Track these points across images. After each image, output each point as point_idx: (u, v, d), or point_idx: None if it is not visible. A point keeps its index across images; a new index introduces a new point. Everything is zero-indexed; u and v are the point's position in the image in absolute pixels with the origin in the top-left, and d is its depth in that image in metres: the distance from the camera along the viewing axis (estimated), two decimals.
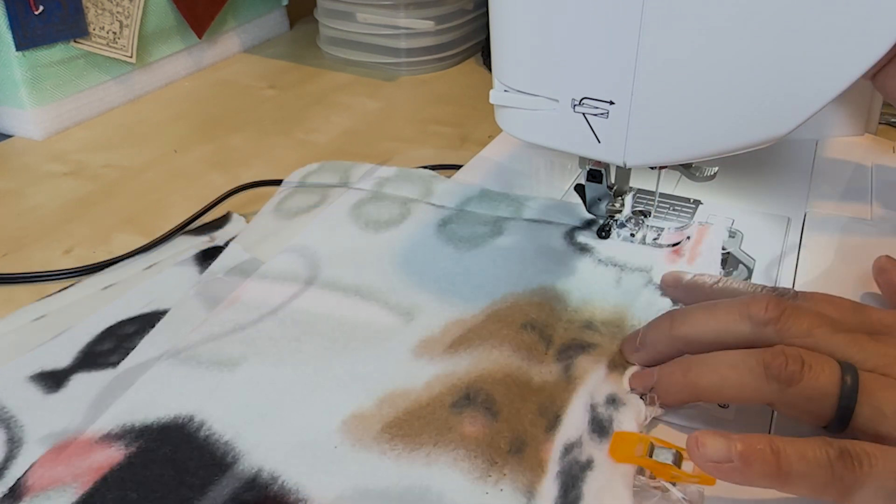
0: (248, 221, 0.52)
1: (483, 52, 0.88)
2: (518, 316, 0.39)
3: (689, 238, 0.45)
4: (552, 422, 0.33)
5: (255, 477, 0.31)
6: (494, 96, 0.40)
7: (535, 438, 0.33)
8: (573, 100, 0.37)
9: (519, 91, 0.38)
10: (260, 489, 0.31)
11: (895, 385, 0.29)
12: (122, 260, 0.50)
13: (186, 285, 0.45)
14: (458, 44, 0.85)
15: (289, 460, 0.32)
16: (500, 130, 0.42)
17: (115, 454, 0.32)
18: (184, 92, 0.79)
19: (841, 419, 0.29)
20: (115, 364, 0.39)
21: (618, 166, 0.42)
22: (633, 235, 0.45)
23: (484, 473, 0.31)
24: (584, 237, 0.45)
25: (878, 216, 0.50)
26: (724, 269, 0.45)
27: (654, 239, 0.45)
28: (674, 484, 0.30)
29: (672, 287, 0.40)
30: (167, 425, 0.33)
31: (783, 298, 0.33)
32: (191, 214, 0.54)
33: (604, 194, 0.45)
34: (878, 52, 0.32)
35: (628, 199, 0.45)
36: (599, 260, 0.43)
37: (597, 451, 0.31)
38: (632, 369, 0.36)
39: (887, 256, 0.40)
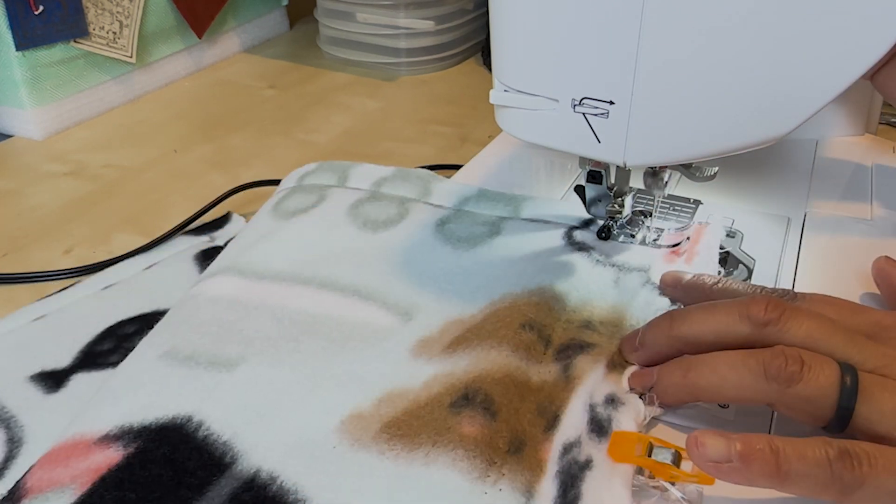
0: (247, 221, 0.52)
1: (483, 52, 0.88)
2: (517, 316, 0.39)
3: (688, 239, 0.45)
4: (551, 421, 0.33)
5: (253, 477, 0.31)
6: (494, 96, 0.40)
7: (534, 438, 0.33)
8: (573, 100, 0.37)
9: (519, 91, 0.38)
10: (258, 489, 0.31)
11: (895, 386, 0.30)
12: (122, 260, 0.50)
13: (186, 285, 0.45)
14: (458, 44, 0.85)
15: (287, 460, 0.32)
16: (500, 130, 0.42)
17: (113, 455, 0.32)
18: (184, 92, 0.79)
19: (840, 419, 0.29)
20: (114, 364, 0.39)
21: (618, 167, 0.42)
22: (633, 236, 0.45)
23: (483, 473, 0.31)
24: (583, 237, 0.45)
25: (878, 216, 0.50)
26: (724, 268, 0.45)
27: (654, 240, 0.45)
28: (673, 483, 0.30)
29: (671, 287, 0.40)
30: (165, 426, 0.33)
31: (783, 300, 0.33)
32: (191, 214, 0.54)
33: (604, 195, 0.45)
34: (878, 52, 0.32)
35: (628, 199, 0.45)
36: (598, 260, 0.43)
37: (596, 451, 0.31)
38: (631, 369, 0.36)
39: (886, 257, 0.40)
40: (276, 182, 0.56)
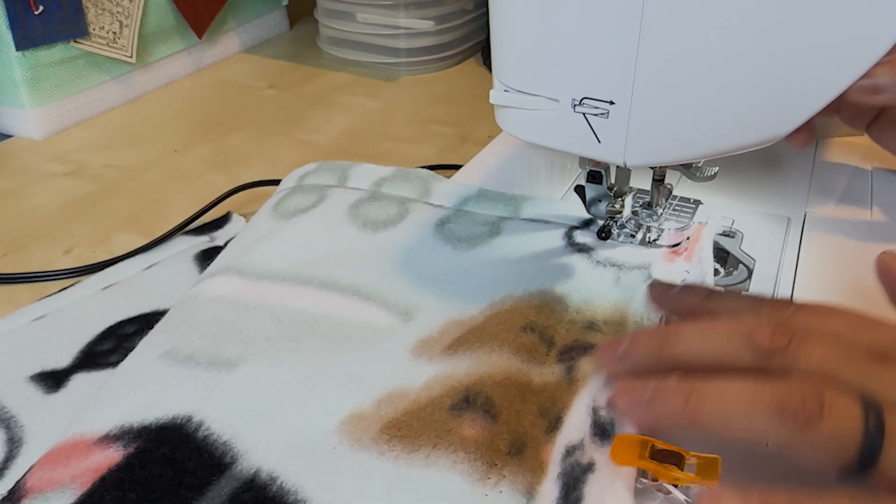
0: (248, 221, 0.52)
1: (483, 52, 0.88)
2: (518, 319, 0.39)
3: (688, 238, 0.45)
4: (553, 423, 0.33)
5: (253, 477, 0.31)
6: (494, 96, 0.40)
7: (536, 440, 0.33)
8: (573, 100, 0.37)
9: (519, 91, 0.38)
10: (258, 489, 0.30)
11: None
12: (122, 260, 0.50)
13: (186, 285, 0.45)
14: (458, 44, 0.85)
15: (287, 461, 0.32)
16: (500, 130, 0.42)
17: (113, 455, 0.32)
18: (184, 92, 0.79)
19: (863, 465, 0.26)
20: (114, 364, 0.39)
21: (618, 166, 0.42)
22: (633, 236, 0.45)
23: (483, 475, 0.31)
24: (583, 237, 0.45)
25: (877, 217, 0.50)
26: (724, 268, 0.45)
27: (654, 240, 0.45)
28: (676, 486, 0.30)
29: (660, 299, 0.37)
30: (165, 426, 0.33)
31: (789, 322, 0.30)
32: (191, 214, 0.54)
33: (604, 195, 0.45)
34: (878, 52, 0.32)
35: (628, 199, 0.45)
36: (598, 261, 0.43)
37: (598, 454, 0.31)
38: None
39: (891, 253, 0.35)
40: (276, 182, 0.56)
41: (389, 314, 0.40)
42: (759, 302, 0.34)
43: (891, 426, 0.26)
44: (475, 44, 0.89)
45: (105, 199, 0.59)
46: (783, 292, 0.43)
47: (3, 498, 0.31)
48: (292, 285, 0.42)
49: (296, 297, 0.41)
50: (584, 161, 0.43)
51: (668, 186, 0.44)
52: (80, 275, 0.49)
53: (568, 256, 0.44)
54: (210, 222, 0.54)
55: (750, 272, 0.45)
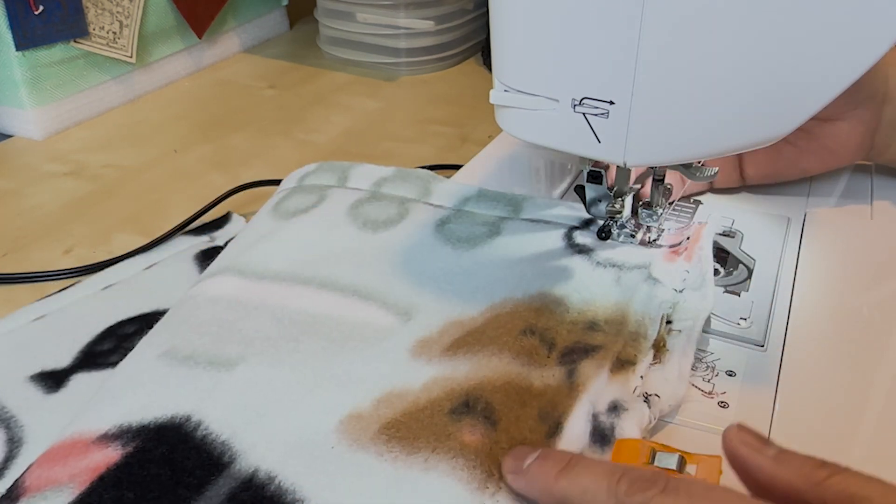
0: (248, 221, 0.52)
1: (483, 52, 0.88)
2: (518, 322, 0.39)
3: (688, 238, 0.45)
4: (553, 428, 0.33)
5: (251, 477, 0.31)
6: (494, 96, 0.39)
7: (535, 445, 0.32)
8: (573, 100, 0.37)
9: (519, 91, 0.38)
10: (257, 489, 0.30)
11: None
12: (122, 260, 0.50)
13: (186, 285, 0.45)
14: (458, 44, 0.85)
15: (286, 460, 0.32)
16: (500, 130, 0.42)
17: (111, 454, 0.32)
18: (184, 92, 0.79)
19: None
20: (115, 364, 0.39)
21: (618, 166, 0.42)
22: (633, 236, 0.45)
23: (482, 484, 0.30)
24: (583, 237, 0.45)
25: (878, 216, 0.50)
26: (724, 268, 0.45)
27: (654, 240, 0.45)
28: None
29: (513, 475, 0.31)
30: (164, 425, 0.33)
31: (664, 485, 0.27)
32: (191, 214, 0.54)
33: (604, 195, 0.44)
34: (878, 51, 0.32)
35: (628, 199, 0.45)
36: (598, 262, 0.43)
37: None
38: (642, 367, 0.35)
39: (739, 426, 0.29)
40: (276, 182, 0.56)
41: (389, 314, 0.40)
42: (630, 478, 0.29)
43: None
44: (475, 44, 0.89)
45: (105, 199, 0.59)
46: (783, 292, 0.43)
47: (2, 497, 0.31)
48: (292, 285, 0.42)
49: (295, 297, 0.41)
50: (584, 161, 0.43)
51: (669, 186, 0.44)
52: (80, 275, 0.49)
53: (568, 257, 0.44)
54: (210, 222, 0.54)
55: (750, 272, 0.45)
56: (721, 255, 0.46)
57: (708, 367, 0.38)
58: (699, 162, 0.42)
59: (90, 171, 0.63)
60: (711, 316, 0.41)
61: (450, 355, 0.37)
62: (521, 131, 0.40)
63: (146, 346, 0.38)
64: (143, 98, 0.77)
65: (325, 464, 0.32)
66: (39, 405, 0.38)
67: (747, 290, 0.43)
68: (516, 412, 0.33)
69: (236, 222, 0.54)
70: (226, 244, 0.49)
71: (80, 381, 0.39)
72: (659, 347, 0.37)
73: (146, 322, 0.43)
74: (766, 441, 0.28)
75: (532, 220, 0.47)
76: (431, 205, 0.49)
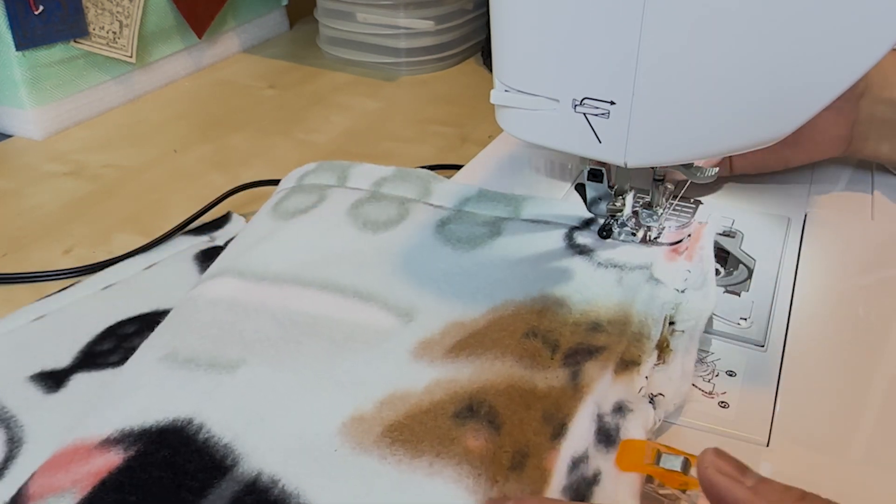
0: (248, 221, 0.52)
1: (483, 52, 0.88)
2: (520, 325, 0.38)
3: (689, 236, 0.45)
4: (557, 430, 0.33)
5: (255, 480, 0.31)
6: (495, 96, 0.39)
7: (539, 447, 0.32)
8: (574, 100, 0.37)
9: (519, 91, 0.38)
10: (260, 493, 0.30)
11: None
12: (122, 260, 0.50)
13: (186, 285, 0.45)
14: (458, 44, 0.85)
15: (289, 463, 0.32)
16: (500, 130, 0.42)
17: (113, 458, 0.32)
18: (184, 92, 0.79)
19: None
20: (114, 364, 0.39)
21: (618, 166, 0.42)
22: (633, 235, 0.45)
23: (487, 491, 0.30)
24: (584, 238, 0.45)
25: (877, 217, 0.50)
26: (724, 268, 0.45)
27: (655, 238, 0.45)
28: (684, 491, 0.30)
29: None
30: (166, 428, 0.33)
31: None
32: (191, 214, 0.54)
33: (604, 194, 0.44)
34: (879, 52, 0.32)
35: (629, 198, 0.45)
36: (599, 263, 0.43)
37: (604, 463, 0.31)
38: (645, 367, 0.35)
39: (715, 450, 0.28)
40: (276, 182, 0.56)
41: (390, 315, 0.40)
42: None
43: None
44: (475, 44, 0.89)
45: (105, 199, 0.59)
46: (783, 292, 0.43)
47: None
48: (293, 286, 0.42)
49: (296, 299, 0.41)
50: (584, 161, 0.43)
51: (669, 186, 0.44)
52: (80, 275, 0.49)
53: (569, 258, 0.44)
54: (210, 222, 0.54)
55: (750, 272, 0.45)
56: (721, 255, 0.46)
57: (708, 367, 0.38)
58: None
59: (90, 171, 0.63)
60: (712, 316, 0.41)
61: (452, 357, 0.37)
62: (521, 131, 0.40)
63: (147, 350, 0.38)
64: (142, 98, 0.77)
65: (329, 467, 0.31)
66: (39, 405, 0.38)
67: (747, 290, 0.43)
68: (520, 415, 0.33)
69: (236, 222, 0.54)
70: (226, 244, 0.49)
71: (79, 380, 0.39)
72: (662, 348, 0.37)
73: (146, 322, 0.43)
74: (744, 469, 0.27)
75: (532, 221, 0.47)
76: (431, 205, 0.49)
